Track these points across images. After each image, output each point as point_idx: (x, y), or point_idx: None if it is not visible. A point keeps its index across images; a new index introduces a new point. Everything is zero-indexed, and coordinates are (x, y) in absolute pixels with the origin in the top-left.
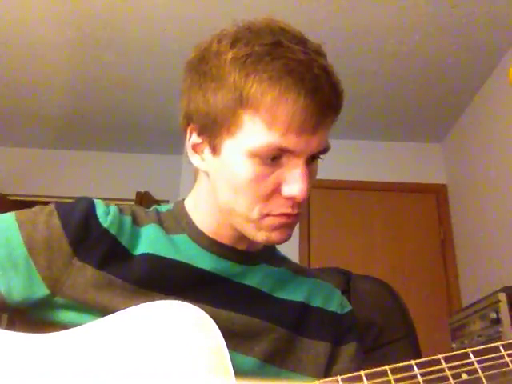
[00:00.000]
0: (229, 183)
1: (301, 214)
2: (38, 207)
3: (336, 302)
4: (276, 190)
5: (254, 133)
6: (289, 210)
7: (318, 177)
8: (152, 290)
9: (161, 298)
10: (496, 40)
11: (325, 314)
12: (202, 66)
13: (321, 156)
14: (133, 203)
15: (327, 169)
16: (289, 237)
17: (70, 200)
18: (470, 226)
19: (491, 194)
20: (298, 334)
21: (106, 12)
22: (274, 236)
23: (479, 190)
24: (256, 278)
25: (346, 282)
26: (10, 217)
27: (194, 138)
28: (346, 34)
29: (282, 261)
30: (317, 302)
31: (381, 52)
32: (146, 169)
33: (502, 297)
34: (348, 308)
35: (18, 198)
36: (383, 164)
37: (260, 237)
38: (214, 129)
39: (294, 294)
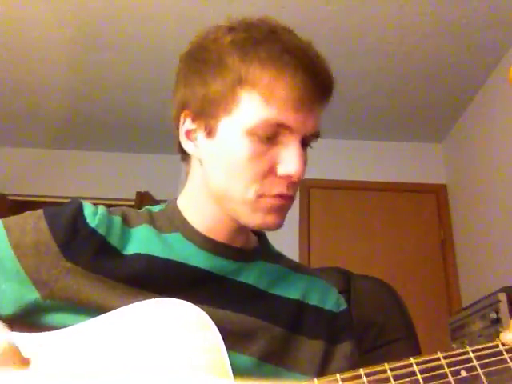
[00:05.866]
0: (224, 164)
1: (294, 198)
2: (26, 213)
3: (332, 300)
4: (271, 170)
5: (251, 109)
6: (284, 191)
7: (317, 177)
8: (146, 290)
9: (155, 298)
10: (496, 40)
11: (321, 313)
12: (201, 53)
13: (311, 144)
14: (133, 203)
15: (327, 169)
16: (282, 222)
17: (70, 200)
18: (470, 226)
19: (491, 194)
20: (294, 332)
21: (106, 12)
22: (269, 220)
23: (479, 190)
24: (252, 275)
25: (346, 281)
26: None
27: (187, 125)
28: (346, 33)
29: (278, 257)
30: (313, 300)
31: (381, 52)
32: (146, 169)
33: (502, 297)
34: (344, 306)
35: (18, 198)
36: (383, 164)
37: (255, 220)
38: (210, 110)
39: (291, 291)
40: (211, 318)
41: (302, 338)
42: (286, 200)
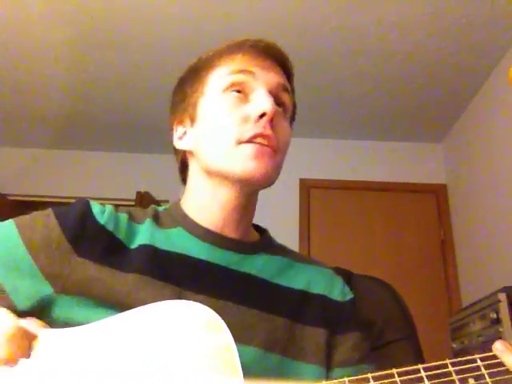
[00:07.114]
0: (208, 133)
1: (274, 147)
2: (35, 212)
3: (337, 290)
4: (246, 119)
5: (218, 77)
6: (261, 130)
7: (317, 177)
8: (153, 277)
9: (162, 286)
10: (496, 40)
11: (326, 301)
12: (181, 80)
13: (284, 98)
14: (133, 203)
15: (327, 169)
16: (267, 169)
17: (70, 200)
18: (469, 226)
19: (491, 194)
20: (298, 322)
21: (106, 12)
22: (252, 166)
23: (479, 190)
24: (255, 266)
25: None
26: (8, 222)
27: (179, 131)
28: (346, 34)
29: (281, 249)
30: (318, 289)
31: (380, 52)
32: (146, 169)
33: (502, 297)
34: (349, 296)
35: (18, 198)
36: (383, 164)
37: (235, 169)
38: (190, 103)
39: (295, 281)
40: (212, 308)
41: (307, 327)
42: (265, 140)
